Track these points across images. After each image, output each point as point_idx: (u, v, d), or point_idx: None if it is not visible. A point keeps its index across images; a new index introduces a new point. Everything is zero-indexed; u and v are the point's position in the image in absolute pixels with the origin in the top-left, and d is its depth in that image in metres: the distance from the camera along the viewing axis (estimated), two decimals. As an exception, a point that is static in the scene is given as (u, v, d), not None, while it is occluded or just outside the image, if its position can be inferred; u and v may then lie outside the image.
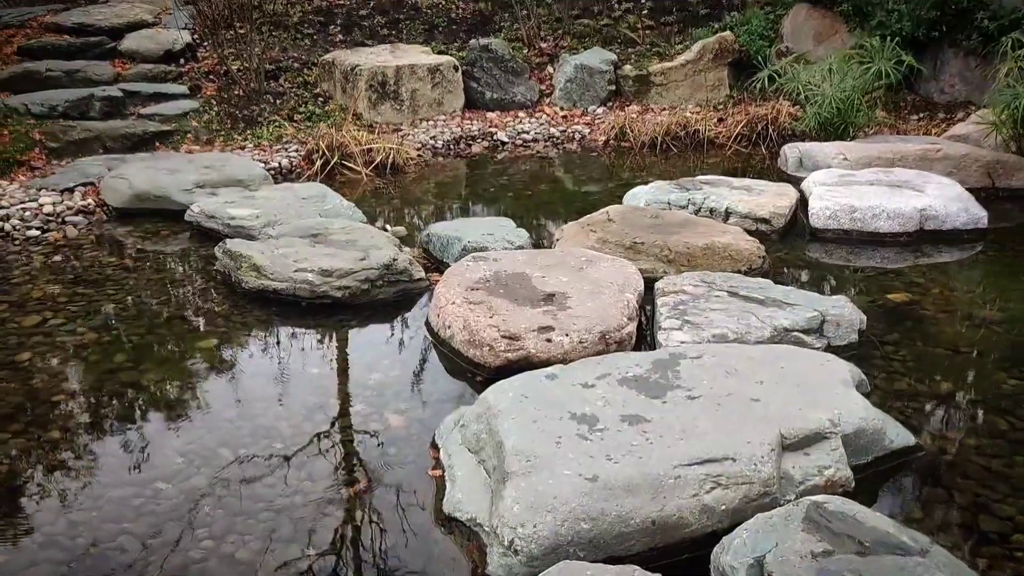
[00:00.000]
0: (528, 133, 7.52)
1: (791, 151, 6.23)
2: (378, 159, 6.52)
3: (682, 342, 3.22)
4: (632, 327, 3.38)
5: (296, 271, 3.94)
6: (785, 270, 4.41)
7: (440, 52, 8.22)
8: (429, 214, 5.51)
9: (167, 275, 4.41)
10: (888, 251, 4.67)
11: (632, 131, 7.37)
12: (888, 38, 7.05)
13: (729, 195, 5.05)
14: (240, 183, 5.47)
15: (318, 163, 6.38)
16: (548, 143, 7.46)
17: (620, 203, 5.37)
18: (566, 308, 3.43)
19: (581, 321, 3.31)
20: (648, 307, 3.79)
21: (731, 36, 8.24)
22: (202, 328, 3.80)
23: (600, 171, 6.59)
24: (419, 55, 7.91)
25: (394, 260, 4.07)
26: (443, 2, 9.50)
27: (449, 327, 3.44)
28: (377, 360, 3.49)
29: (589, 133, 7.63)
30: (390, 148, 6.57)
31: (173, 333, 3.74)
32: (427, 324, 3.71)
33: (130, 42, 7.83)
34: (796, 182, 5.94)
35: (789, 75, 6.66)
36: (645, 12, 9.16)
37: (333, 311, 3.91)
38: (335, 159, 6.44)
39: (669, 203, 5.08)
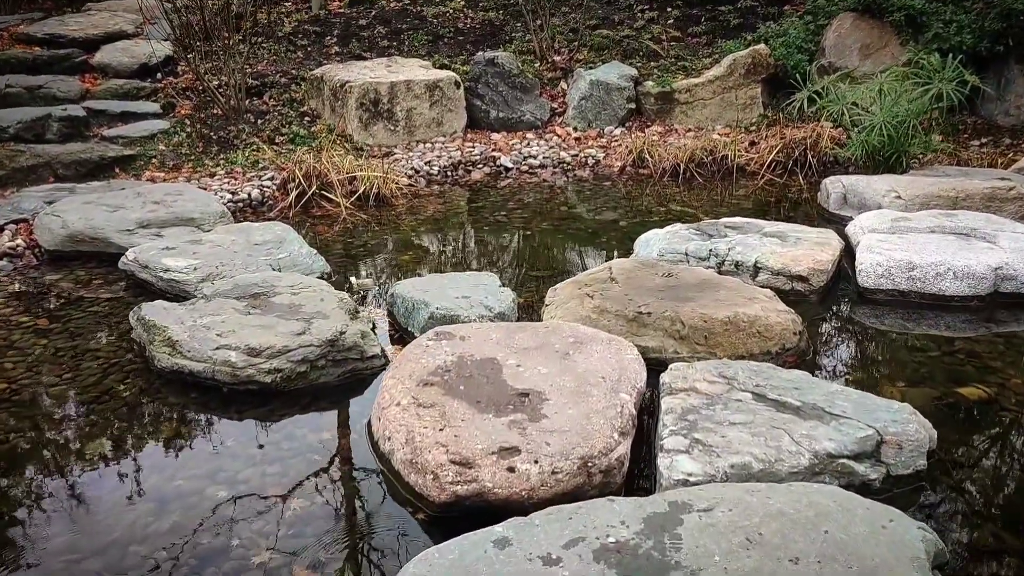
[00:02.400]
0: (535, 158, 6.74)
1: (833, 186, 5.37)
2: (362, 189, 5.78)
3: (689, 475, 2.41)
4: (624, 447, 2.58)
5: (217, 348, 3.19)
6: (826, 350, 3.57)
7: (442, 66, 7.47)
8: (406, 261, 4.74)
9: (81, 343, 3.68)
10: (955, 321, 3.81)
11: (652, 156, 6.56)
12: (947, 53, 6.16)
13: (759, 245, 4.22)
14: (191, 222, 4.75)
15: (293, 194, 5.66)
16: (557, 169, 6.67)
17: (631, 248, 4.58)
18: (540, 417, 2.63)
19: (557, 439, 2.52)
20: (650, 393, 2.98)
21: (766, 49, 7.38)
22: (96, 425, 3.06)
23: (612, 205, 5.78)
24: (417, 70, 7.16)
25: (341, 334, 3.30)
26: (450, 11, 8.75)
27: (390, 439, 2.67)
28: (300, 478, 2.72)
29: (604, 158, 6.82)
30: (375, 177, 5.82)
31: (59, 430, 3.01)
32: (368, 428, 2.93)
33: (103, 55, 7.19)
34: (839, 223, 5.11)
35: (832, 96, 5.80)
36: (671, 22, 8.33)
37: (260, 400, 3.16)
38: (313, 189, 5.71)
39: (686, 254, 4.26)
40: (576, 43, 7.93)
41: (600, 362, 2.97)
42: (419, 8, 8.75)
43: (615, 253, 4.83)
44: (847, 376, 3.30)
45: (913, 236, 4.29)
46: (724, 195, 5.99)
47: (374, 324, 3.74)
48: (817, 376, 3.17)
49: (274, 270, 4.12)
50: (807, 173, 6.35)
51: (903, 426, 2.60)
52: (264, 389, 3.16)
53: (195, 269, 4.01)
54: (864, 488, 2.47)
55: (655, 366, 3.26)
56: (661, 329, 3.40)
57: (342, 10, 8.84)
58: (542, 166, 6.68)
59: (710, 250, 4.24)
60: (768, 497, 2.21)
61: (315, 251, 4.40)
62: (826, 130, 6.51)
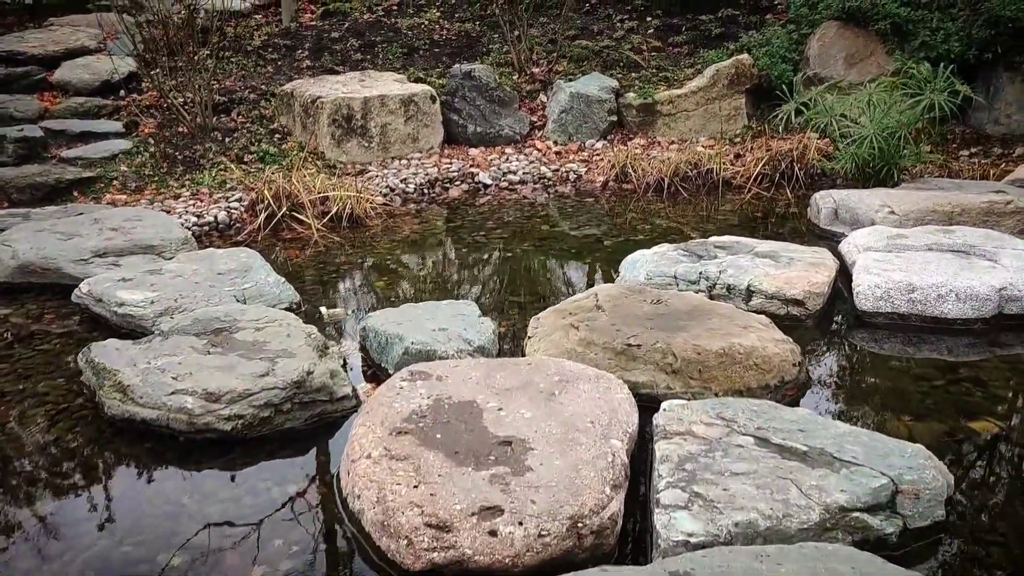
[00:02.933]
0: (515, 173, 6.52)
1: (824, 200, 5.19)
2: (334, 209, 5.53)
3: (690, 536, 2.18)
4: (617, 503, 2.35)
5: (172, 394, 2.94)
6: (827, 381, 3.36)
7: (417, 79, 7.24)
8: (381, 287, 4.50)
9: (29, 387, 3.41)
10: (959, 345, 3.62)
11: (635, 171, 6.36)
12: (935, 62, 6.01)
13: (751, 267, 4.02)
14: (151, 250, 4.48)
15: (262, 216, 5.40)
16: (538, 185, 6.45)
17: (616, 269, 4.37)
18: (524, 470, 2.40)
19: (543, 496, 2.28)
20: (645, 430, 2.76)
21: (749, 59, 7.21)
22: (39, 481, 2.80)
23: (595, 223, 5.57)
24: (391, 84, 6.93)
25: (308, 374, 3.06)
26: (425, 23, 8.53)
27: (359, 497, 2.42)
28: (263, 542, 2.47)
29: (586, 172, 6.62)
30: (348, 197, 5.58)
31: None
32: (337, 481, 2.69)
33: (63, 72, 6.91)
34: (831, 239, 4.94)
35: (820, 107, 5.63)
36: (651, 31, 8.15)
37: (220, 449, 2.91)
38: (283, 210, 5.46)
39: (676, 277, 4.05)
40: (555, 54, 7.73)
41: (588, 403, 2.74)
42: (393, 20, 8.53)
43: (600, 275, 4.62)
44: (851, 411, 3.09)
45: (911, 255, 4.10)
46: (710, 210, 5.80)
47: (345, 360, 3.49)
48: (819, 412, 2.97)
49: (238, 302, 3.87)
50: (794, 186, 6.18)
51: (919, 473, 2.39)
52: (224, 437, 2.91)
53: (152, 303, 3.74)
54: (880, 544, 2.25)
55: (647, 403, 3.04)
56: (652, 363, 3.18)
57: (314, 23, 8.60)
58: (522, 182, 6.46)
59: (700, 273, 4.03)
60: (779, 564, 1.99)
61: (283, 279, 4.15)
62: (813, 142, 6.33)
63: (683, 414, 2.72)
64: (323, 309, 4.00)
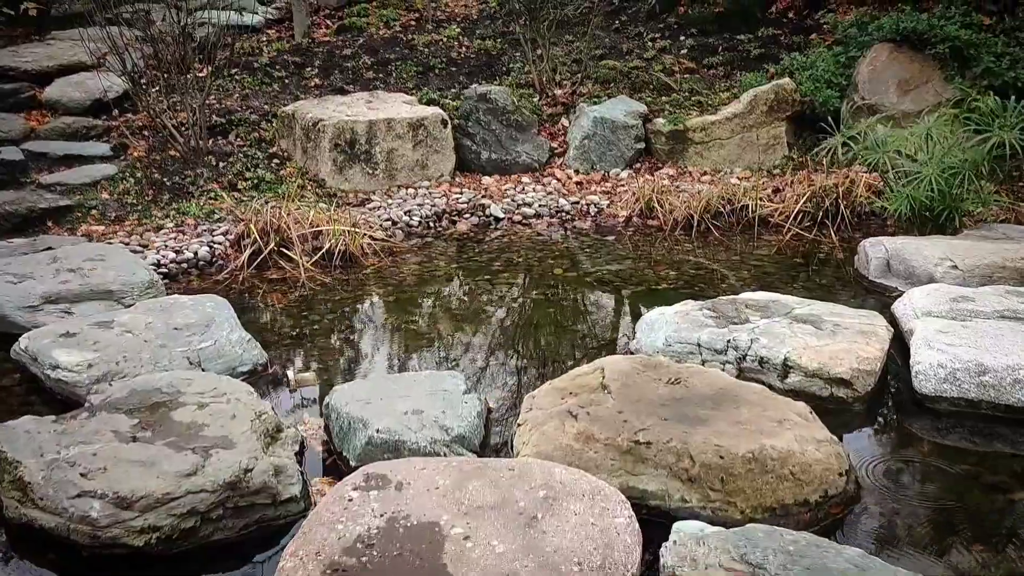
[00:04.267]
0: (530, 206, 5.97)
1: (874, 249, 4.57)
2: (327, 245, 5.03)
3: None
4: None
5: (77, 496, 2.43)
6: (883, 495, 2.75)
7: (430, 101, 6.74)
8: (362, 345, 3.98)
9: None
10: (1043, 444, 3.00)
11: (662, 206, 5.77)
12: (1001, 90, 5.36)
13: (788, 335, 3.42)
14: (109, 295, 4.00)
15: (246, 253, 4.92)
16: (554, 219, 5.89)
17: (632, 328, 3.81)
18: (485, 640, 1.85)
19: None
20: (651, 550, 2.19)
21: (790, 84, 6.60)
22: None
23: (614, 268, 5.00)
24: (400, 106, 6.43)
25: (246, 472, 2.53)
26: (444, 39, 8.03)
27: (273, 664, 1.89)
28: None
29: (608, 206, 6.04)
30: (341, 232, 5.07)
31: None
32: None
33: (54, 90, 6.51)
34: (882, 294, 4.34)
35: (870, 141, 5.01)
36: (684, 52, 7.57)
37: (130, 568, 2.39)
38: (271, 246, 4.97)
39: (700, 346, 3.47)
40: (580, 75, 7.19)
41: (578, 535, 2.17)
42: (410, 37, 8.05)
43: (614, 334, 4.04)
44: (917, 545, 2.48)
45: (980, 324, 3.48)
46: (744, 253, 5.20)
47: (304, 444, 2.96)
48: (872, 540, 2.38)
49: (191, 365, 3.37)
50: (839, 226, 5.54)
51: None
52: (137, 553, 2.39)
53: (90, 366, 3.25)
54: None
55: (656, 517, 2.48)
56: (664, 466, 2.60)
57: (327, 39, 8.15)
58: (537, 215, 5.90)
59: (728, 341, 3.44)
60: None
61: (249, 337, 3.64)
62: (861, 177, 5.70)
63: (697, 552, 2.15)
64: (290, 373, 3.49)
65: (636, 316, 4.18)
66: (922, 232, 4.89)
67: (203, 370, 3.36)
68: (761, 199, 5.79)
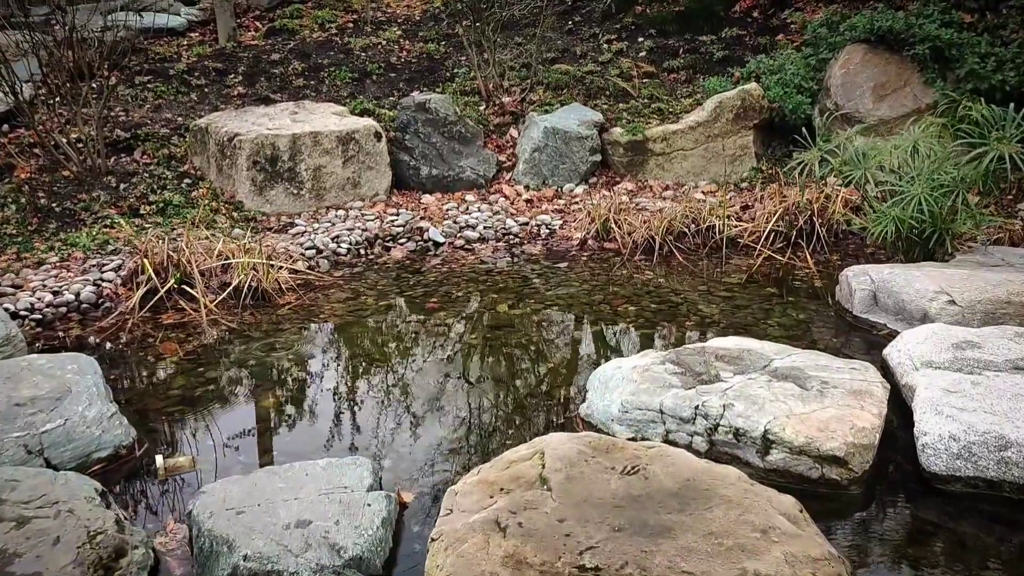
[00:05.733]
0: (474, 228, 5.34)
1: (858, 281, 4.01)
2: (236, 281, 4.37)
3: None
4: None
5: None
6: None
7: (364, 111, 6.09)
8: (256, 415, 3.31)
9: None
10: (1082, 539, 2.43)
11: (619, 227, 5.18)
12: (985, 94, 4.85)
13: (768, 398, 2.83)
14: (-49, 357, 3.30)
15: (138, 293, 4.23)
16: (501, 243, 5.27)
17: (583, 385, 3.21)
18: None
19: None
20: None
21: (758, 89, 6.05)
22: None
23: (565, 302, 4.39)
24: (329, 118, 5.77)
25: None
26: (383, 42, 7.38)
27: None
28: None
29: (560, 227, 5.44)
30: (255, 265, 4.41)
31: None
32: None
33: (-67, 103, 5.74)
34: (869, 332, 3.82)
35: (849, 155, 4.46)
36: (643, 54, 6.99)
37: None
38: (169, 284, 4.29)
39: (662, 413, 2.87)
40: (530, 80, 6.58)
41: None
42: (346, 40, 7.38)
43: (563, 395, 3.42)
44: None
45: (993, 381, 2.92)
46: (712, 281, 4.62)
47: (156, 566, 2.30)
48: None
49: (30, 454, 2.69)
50: (815, 247, 5.01)
51: None
52: None
53: None
54: None
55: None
56: (617, 603, 1.99)
57: (255, 42, 7.46)
58: (482, 239, 5.28)
59: (696, 408, 2.84)
60: None
61: (114, 410, 2.96)
62: (837, 192, 5.17)
63: None
64: (159, 459, 2.82)
65: (589, 365, 3.58)
66: (909, 257, 4.35)
67: (45, 461, 2.69)
68: (729, 217, 5.24)
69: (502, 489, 2.40)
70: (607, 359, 3.66)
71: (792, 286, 4.56)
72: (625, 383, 3.05)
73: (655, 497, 2.32)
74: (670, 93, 6.49)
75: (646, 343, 3.88)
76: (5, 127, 5.71)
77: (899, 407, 3.05)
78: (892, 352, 3.32)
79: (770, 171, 5.91)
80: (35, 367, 3.14)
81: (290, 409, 3.32)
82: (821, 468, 2.66)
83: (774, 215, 5.15)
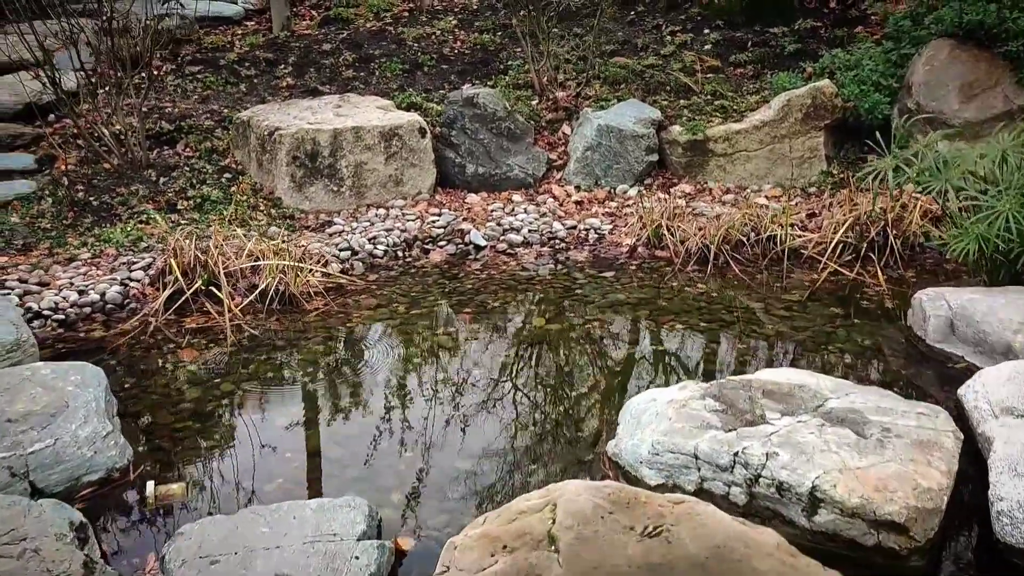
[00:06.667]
0: (518, 231, 5.07)
1: (933, 306, 3.61)
2: (263, 284, 4.19)
3: None
4: None
5: None
6: None
7: (410, 105, 5.86)
8: (256, 440, 3.11)
9: None
10: None
11: (672, 234, 4.84)
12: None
13: (819, 446, 2.50)
14: (-44, 362, 3.20)
15: (164, 292, 4.10)
16: (545, 249, 4.99)
17: (614, 418, 2.93)
18: None
19: None
20: None
21: (830, 86, 5.61)
22: None
23: (607, 319, 4.08)
24: (373, 112, 5.56)
25: None
26: (437, 32, 7.14)
27: None
28: None
29: (610, 231, 5.13)
30: (286, 267, 4.24)
31: None
32: None
33: (-18, 92, 5.73)
34: (943, 364, 3.42)
35: (929, 163, 4.03)
36: (708, 47, 6.59)
37: None
38: (196, 284, 4.15)
39: (696, 458, 2.56)
40: (586, 74, 6.25)
41: None
42: (399, 30, 7.17)
43: (589, 428, 3.13)
44: None
45: (1086, 437, 2.52)
46: (769, 298, 4.26)
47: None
48: None
49: (15, 477, 2.54)
50: (889, 262, 4.59)
51: None
52: None
53: None
54: None
55: None
56: None
57: (308, 32, 7.30)
58: (525, 243, 5.00)
59: (736, 455, 2.53)
60: None
61: (110, 429, 2.80)
62: (915, 202, 4.73)
63: None
64: (150, 486, 2.64)
65: (624, 393, 3.29)
66: (993, 279, 3.91)
67: (30, 484, 2.53)
68: (793, 226, 4.85)
69: (505, 547, 2.14)
70: (646, 385, 3.37)
71: (859, 306, 4.17)
72: (658, 420, 2.76)
73: (678, 567, 2.03)
74: (735, 89, 6.09)
75: (689, 369, 3.56)
76: (51, 116, 5.65)
77: (973, 458, 2.68)
78: (968, 393, 2.94)
79: (841, 175, 5.47)
80: (37, 378, 3.00)
81: (296, 435, 3.11)
82: (877, 534, 2.32)
83: (843, 225, 4.73)
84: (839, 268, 4.55)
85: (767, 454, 2.51)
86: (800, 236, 4.82)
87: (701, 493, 2.54)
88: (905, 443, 2.55)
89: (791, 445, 2.53)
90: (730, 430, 2.66)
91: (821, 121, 5.60)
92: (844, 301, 4.22)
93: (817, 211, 5.12)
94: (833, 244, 4.67)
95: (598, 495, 2.30)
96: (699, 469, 2.58)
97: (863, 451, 2.51)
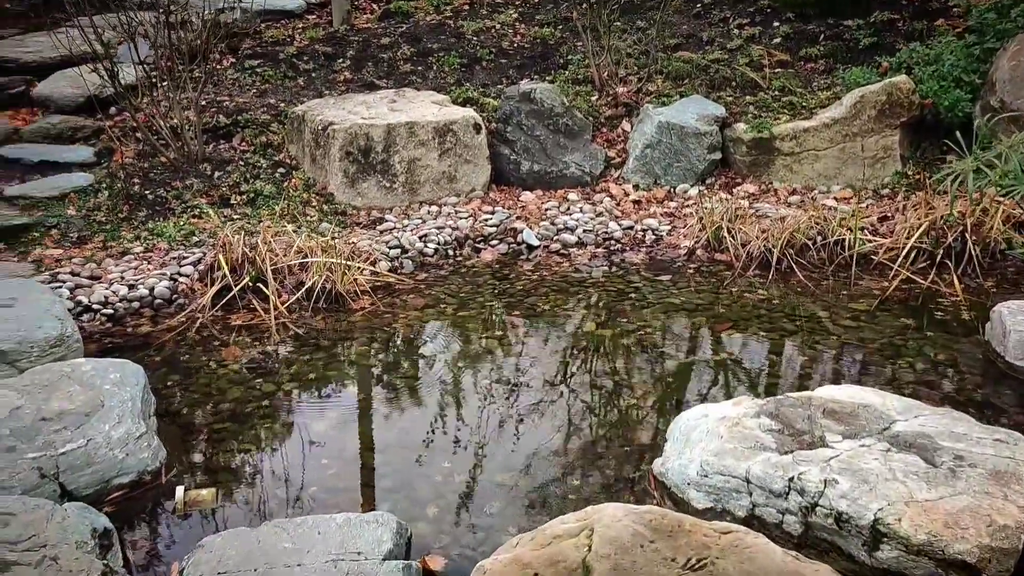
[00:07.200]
0: (572, 231, 4.92)
1: (1015, 320, 3.35)
2: (310, 282, 4.14)
3: None
4: None
5: None
6: None
7: (466, 100, 5.76)
8: (293, 445, 3.04)
9: None
10: None
11: (733, 236, 4.63)
12: None
13: (884, 474, 2.30)
14: (2, 357, 3.19)
15: (211, 290, 4.07)
16: (600, 250, 4.83)
17: (662, 435, 2.76)
18: None
19: None
20: None
21: (907, 82, 5.31)
22: None
23: (660, 326, 3.91)
24: (427, 107, 5.47)
25: None
26: (496, 26, 7.02)
27: None
28: None
29: (668, 233, 4.94)
30: (334, 265, 4.17)
31: None
32: None
33: (48, 85, 5.84)
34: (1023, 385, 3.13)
35: (1013, 164, 3.75)
36: (777, 40, 6.32)
37: None
38: (244, 281, 4.11)
39: (748, 482, 2.39)
40: (648, 69, 6.05)
41: None
42: (459, 23, 7.07)
43: (635, 443, 2.97)
44: None
45: None
46: (835, 307, 4.03)
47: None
48: None
49: (45, 478, 2.50)
50: (967, 270, 4.30)
51: None
52: None
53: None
54: None
55: None
56: None
57: (368, 25, 7.26)
58: (580, 244, 4.85)
59: (791, 480, 2.34)
60: None
61: (144, 430, 2.75)
62: (997, 207, 4.43)
63: None
64: (179, 491, 2.58)
65: (674, 406, 3.12)
66: (1083, 292, 3.63)
67: (60, 487, 2.50)
68: (863, 229, 4.59)
69: (536, 575, 2.01)
70: (698, 399, 3.20)
71: (932, 317, 3.91)
72: (709, 438, 2.59)
73: (721, 606, 1.87)
74: (805, 85, 5.82)
75: (745, 382, 3.37)
76: (112, 110, 5.71)
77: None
78: (1052, 419, 2.70)
79: (917, 177, 5.18)
80: (76, 375, 2.98)
81: (334, 440, 3.03)
82: (945, 575, 2.12)
83: (917, 229, 4.45)
84: (912, 276, 4.28)
85: (825, 481, 2.32)
86: (870, 240, 4.56)
87: (752, 520, 2.37)
88: (980, 473, 2.34)
89: (853, 472, 2.34)
90: (786, 452, 2.48)
91: (896, 119, 5.30)
92: (916, 312, 3.96)
93: (890, 214, 4.84)
94: (906, 250, 4.39)
95: (639, 521, 2.15)
96: (751, 494, 2.40)
97: (932, 481, 2.30)
